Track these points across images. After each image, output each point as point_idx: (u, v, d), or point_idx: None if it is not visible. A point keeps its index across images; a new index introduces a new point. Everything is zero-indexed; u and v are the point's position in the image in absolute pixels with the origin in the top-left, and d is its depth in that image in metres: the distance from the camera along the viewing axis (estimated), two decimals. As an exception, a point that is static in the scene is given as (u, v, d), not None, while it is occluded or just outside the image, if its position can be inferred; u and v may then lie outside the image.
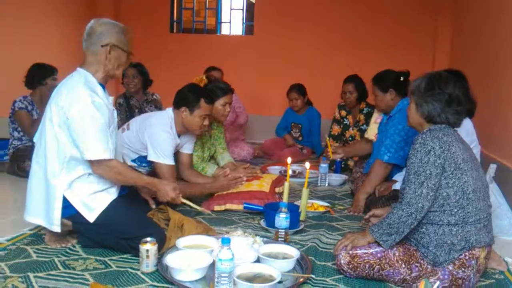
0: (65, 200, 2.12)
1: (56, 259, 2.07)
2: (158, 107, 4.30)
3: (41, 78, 3.86)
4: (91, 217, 2.12)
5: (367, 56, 5.60)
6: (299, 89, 4.81)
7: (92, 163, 2.11)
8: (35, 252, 2.13)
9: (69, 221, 2.17)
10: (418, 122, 2.04)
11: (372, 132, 3.52)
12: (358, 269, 1.94)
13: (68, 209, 2.12)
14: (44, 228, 2.27)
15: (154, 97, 4.41)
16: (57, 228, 2.13)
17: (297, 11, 5.83)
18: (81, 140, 2.06)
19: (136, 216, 2.20)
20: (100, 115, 2.07)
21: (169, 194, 2.35)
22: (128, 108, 4.22)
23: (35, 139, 2.25)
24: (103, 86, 2.22)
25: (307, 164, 2.83)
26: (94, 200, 2.15)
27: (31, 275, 1.89)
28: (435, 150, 1.86)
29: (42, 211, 2.16)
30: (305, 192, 2.68)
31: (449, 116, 1.94)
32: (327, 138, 4.49)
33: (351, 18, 5.69)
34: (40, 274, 1.91)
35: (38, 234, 2.36)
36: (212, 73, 4.48)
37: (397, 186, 2.67)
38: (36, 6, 5.04)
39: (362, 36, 5.68)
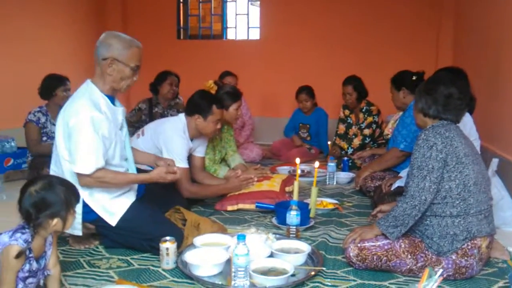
0: (86, 206, 2.23)
1: (81, 259, 2.20)
2: (180, 111, 4.45)
3: (52, 89, 3.93)
4: (112, 221, 2.24)
5: (371, 55, 5.71)
6: (308, 91, 4.95)
7: (78, 176, 2.15)
8: (61, 253, 2.26)
9: (92, 225, 2.30)
10: (420, 119, 2.16)
11: (389, 127, 3.70)
12: (367, 261, 2.05)
13: (90, 214, 2.24)
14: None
15: (177, 100, 4.57)
16: (78, 232, 2.24)
17: (301, 13, 5.93)
18: (72, 151, 2.13)
19: (155, 217, 2.32)
20: (95, 130, 2.11)
21: (166, 178, 2.32)
22: (150, 114, 4.37)
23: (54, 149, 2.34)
24: (110, 98, 2.28)
25: (316, 163, 2.95)
26: (114, 204, 2.26)
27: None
28: (437, 146, 1.97)
29: None
30: (314, 190, 2.80)
31: (440, 111, 2.06)
32: (334, 138, 4.63)
33: (355, 18, 5.78)
34: (68, 273, 2.04)
35: (62, 237, 2.48)
36: (227, 79, 4.63)
37: (400, 183, 2.79)
38: (49, 16, 5.20)
39: (366, 35, 5.76)
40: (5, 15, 4.58)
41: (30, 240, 1.63)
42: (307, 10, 5.91)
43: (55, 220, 1.65)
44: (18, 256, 1.57)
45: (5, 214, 2.70)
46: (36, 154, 3.88)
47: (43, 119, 3.93)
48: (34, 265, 1.67)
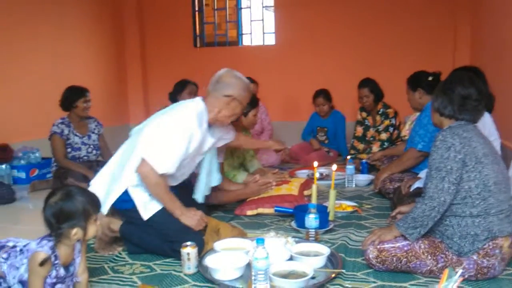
0: (126, 194, 2.31)
1: (105, 265, 2.26)
2: None
3: (73, 100, 4.02)
4: (146, 215, 2.31)
5: (387, 57, 5.71)
6: (325, 94, 4.96)
7: (143, 162, 2.25)
8: (86, 260, 2.32)
9: (122, 214, 2.39)
10: (437, 118, 2.16)
11: (406, 129, 3.70)
12: (386, 263, 2.05)
13: (125, 203, 2.32)
14: (91, 239, 2.47)
15: None
16: (105, 211, 2.33)
17: (315, 17, 5.96)
18: (155, 143, 2.26)
19: (181, 221, 2.36)
20: (188, 143, 2.29)
21: (194, 227, 2.36)
22: None
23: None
24: (209, 126, 2.48)
25: (334, 166, 2.96)
26: (152, 202, 2.34)
27: (85, 280, 2.08)
28: (455, 146, 1.96)
29: (103, 190, 2.37)
30: (332, 193, 2.81)
31: (456, 112, 2.05)
32: (352, 140, 4.63)
33: (370, 19, 5.78)
34: (93, 279, 2.10)
35: (87, 244, 2.55)
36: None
37: (419, 184, 2.78)
38: (69, 30, 5.35)
39: (381, 37, 5.76)
40: (29, 31, 4.73)
41: (55, 247, 1.69)
42: (321, 14, 5.94)
43: (75, 230, 1.70)
44: (42, 263, 1.63)
45: (31, 223, 2.81)
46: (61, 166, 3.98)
47: (66, 131, 4.03)
48: (62, 271, 1.73)
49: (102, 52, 5.97)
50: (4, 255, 1.75)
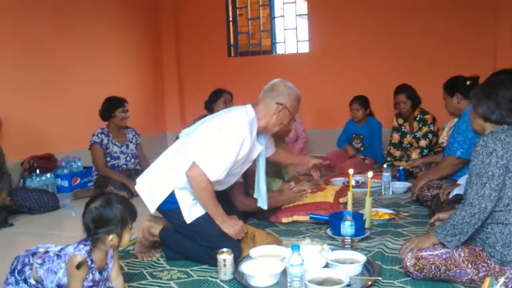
0: (173, 196, 2.35)
1: (144, 271, 2.32)
2: None
3: (112, 110, 4.16)
4: (189, 218, 2.35)
5: (422, 63, 5.59)
6: (361, 100, 4.93)
7: (193, 165, 2.29)
8: (126, 265, 2.40)
9: (164, 214, 2.45)
10: (479, 124, 2.10)
11: (443, 135, 3.62)
12: (425, 271, 2.01)
13: (170, 204, 2.37)
14: (131, 246, 2.56)
15: None
16: (152, 210, 2.40)
17: (349, 24, 5.92)
18: (208, 149, 2.30)
19: (220, 228, 2.39)
20: (239, 148, 2.32)
21: (233, 236, 2.39)
22: None
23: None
24: (258, 134, 2.52)
25: (370, 173, 2.93)
26: (196, 206, 2.38)
27: (126, 285, 2.12)
28: (497, 152, 1.91)
29: (150, 191, 2.43)
30: (368, 200, 2.78)
31: (504, 116, 1.99)
32: (388, 147, 4.56)
33: (405, 23, 5.68)
34: (133, 284, 2.16)
35: (127, 250, 2.63)
36: None
37: (459, 190, 2.71)
38: (107, 41, 5.54)
39: (416, 42, 5.65)
40: (71, 44, 4.94)
41: (91, 252, 1.76)
42: (355, 20, 5.90)
43: (111, 236, 1.77)
44: (79, 266, 1.71)
45: (73, 230, 2.91)
46: (101, 175, 4.11)
47: (105, 140, 4.16)
48: (97, 275, 1.80)
49: (140, 63, 6.14)
50: (39, 261, 1.83)
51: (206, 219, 2.36)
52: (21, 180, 4.12)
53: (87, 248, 1.76)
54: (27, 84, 4.41)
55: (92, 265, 1.77)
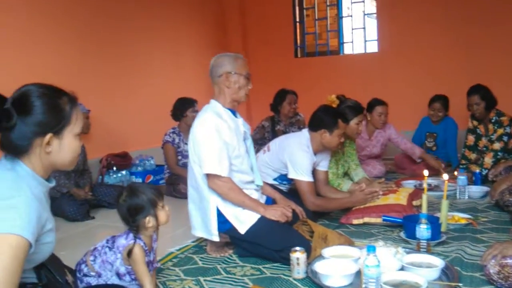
0: (220, 216, 2.43)
1: (218, 266, 2.38)
2: (302, 127, 4.59)
3: (183, 110, 4.33)
4: (242, 228, 2.41)
5: (503, 59, 5.29)
6: (444, 101, 4.75)
7: (207, 178, 2.40)
8: (200, 260, 2.48)
9: (226, 234, 2.48)
10: None
11: None
12: (510, 279, 1.91)
13: (224, 224, 2.44)
14: (204, 240, 2.64)
15: (298, 117, 4.73)
16: (216, 238, 2.46)
17: (420, 22, 5.72)
18: (201, 156, 2.39)
19: (284, 229, 2.42)
20: (219, 136, 2.36)
21: (278, 218, 2.42)
22: (272, 131, 4.57)
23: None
24: (232, 111, 2.54)
25: (445, 176, 2.83)
26: (245, 214, 2.43)
27: (201, 278, 2.22)
28: None
29: (202, 225, 2.52)
30: (444, 203, 2.68)
31: None
32: (463, 150, 4.36)
33: (480, 22, 5.41)
34: (208, 278, 2.23)
35: (200, 246, 2.71)
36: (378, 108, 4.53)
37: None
38: (178, 45, 5.76)
39: (496, 37, 5.35)
40: (146, 51, 5.19)
41: (140, 237, 1.90)
42: (426, 19, 5.70)
43: (147, 219, 1.89)
44: (135, 252, 1.85)
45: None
46: (173, 173, 4.27)
47: (177, 139, 4.32)
48: (150, 257, 1.94)
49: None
50: (91, 258, 1.95)
51: (262, 224, 2.39)
52: (100, 177, 4.37)
53: (135, 234, 1.90)
54: (108, 88, 4.67)
55: (146, 248, 1.90)
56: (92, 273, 1.93)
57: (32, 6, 3.92)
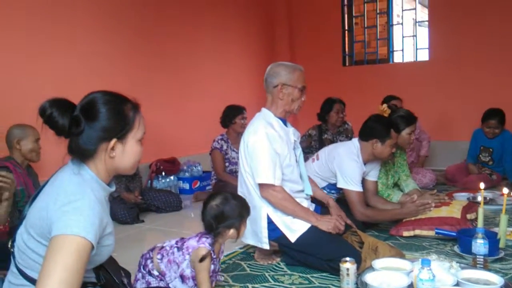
0: (271, 224, 2.43)
1: (266, 274, 2.38)
2: (349, 136, 4.54)
3: (232, 117, 4.36)
4: (292, 237, 2.39)
5: None
6: (501, 117, 4.42)
7: (260, 187, 2.40)
8: (248, 267, 2.48)
9: (275, 242, 2.47)
10: None
11: None
12: None
13: (274, 232, 2.43)
14: (251, 247, 2.64)
15: (346, 126, 4.68)
16: (266, 246, 2.45)
17: (472, 30, 5.51)
18: (253, 166, 2.40)
19: (334, 238, 2.39)
20: (270, 144, 2.37)
21: (331, 231, 2.38)
22: (319, 140, 4.54)
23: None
24: (283, 120, 2.54)
25: (505, 190, 2.69)
26: (296, 223, 2.42)
27: (249, 285, 2.22)
28: None
29: (252, 233, 2.51)
30: (503, 218, 2.56)
31: None
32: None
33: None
34: (256, 285, 2.23)
35: (247, 252, 2.72)
36: (392, 102, 4.53)
37: None
38: (226, 54, 5.83)
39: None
40: (196, 60, 5.29)
41: (212, 245, 1.91)
42: (479, 27, 5.48)
43: (231, 230, 1.93)
44: (204, 257, 1.85)
45: (191, 229, 3.08)
46: (220, 179, 4.31)
47: (225, 146, 4.36)
48: (216, 267, 1.95)
49: (256, 74, 6.33)
50: (158, 256, 1.98)
51: (312, 233, 2.37)
52: (149, 181, 4.48)
53: (209, 241, 1.91)
54: (159, 96, 4.79)
55: (214, 256, 1.91)
56: (156, 272, 1.96)
57: (93, 20, 4.10)
